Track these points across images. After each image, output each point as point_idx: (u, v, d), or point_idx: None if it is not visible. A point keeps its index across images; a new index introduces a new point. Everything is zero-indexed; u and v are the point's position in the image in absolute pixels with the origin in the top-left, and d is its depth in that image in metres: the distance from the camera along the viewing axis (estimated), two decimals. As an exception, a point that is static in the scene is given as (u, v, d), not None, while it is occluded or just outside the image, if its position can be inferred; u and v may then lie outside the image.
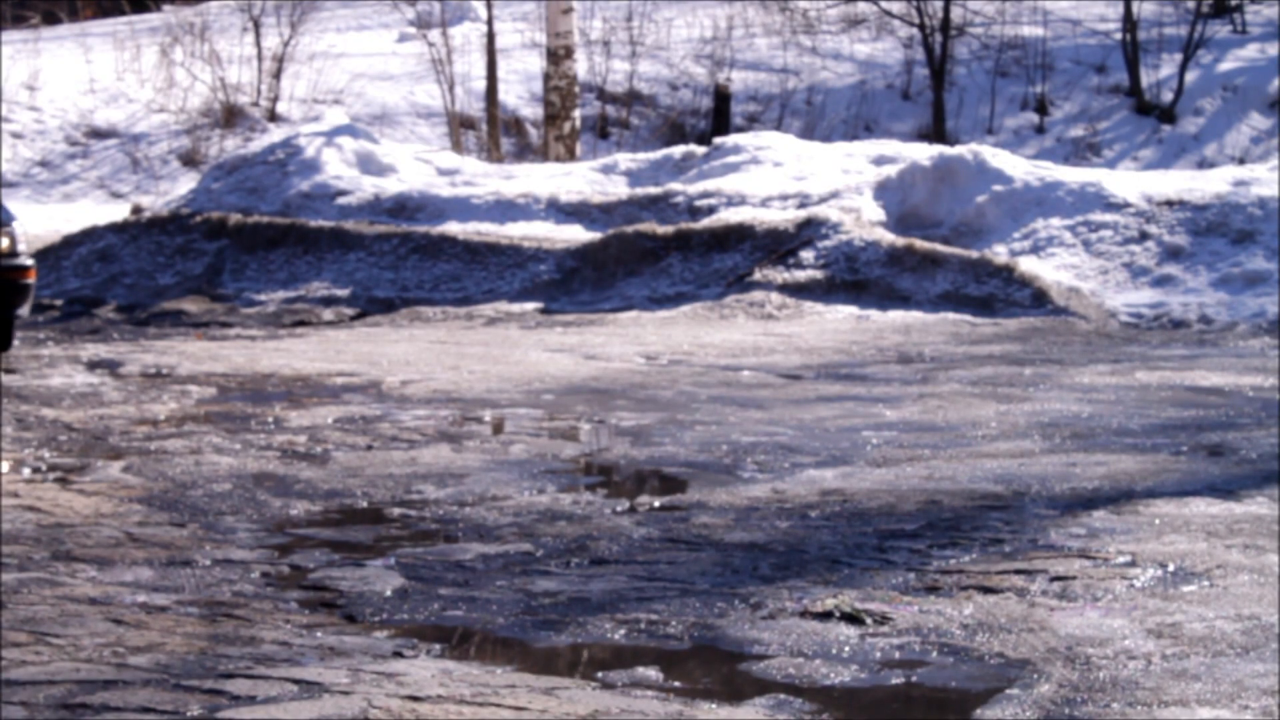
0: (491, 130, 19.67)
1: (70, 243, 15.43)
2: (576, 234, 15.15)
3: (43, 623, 4.63)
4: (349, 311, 14.00)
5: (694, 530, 5.94)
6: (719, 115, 20.58)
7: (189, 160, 19.95)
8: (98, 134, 20.00)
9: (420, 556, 5.56)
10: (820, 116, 21.76)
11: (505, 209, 15.67)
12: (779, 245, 14.23)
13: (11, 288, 10.61)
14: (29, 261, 10.72)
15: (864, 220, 14.45)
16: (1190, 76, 22.00)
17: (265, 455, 7.32)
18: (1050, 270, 13.57)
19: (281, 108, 20.74)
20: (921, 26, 22.02)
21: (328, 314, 13.90)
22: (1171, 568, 5.38)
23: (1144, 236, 13.81)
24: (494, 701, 4.01)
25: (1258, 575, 5.29)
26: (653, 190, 15.75)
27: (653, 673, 4.33)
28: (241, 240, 15.28)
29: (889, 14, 23.25)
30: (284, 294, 14.55)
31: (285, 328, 13.12)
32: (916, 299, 13.46)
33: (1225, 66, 22.86)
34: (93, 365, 10.41)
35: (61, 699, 3.96)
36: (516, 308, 13.92)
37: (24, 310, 10.73)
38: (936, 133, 20.98)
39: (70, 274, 14.99)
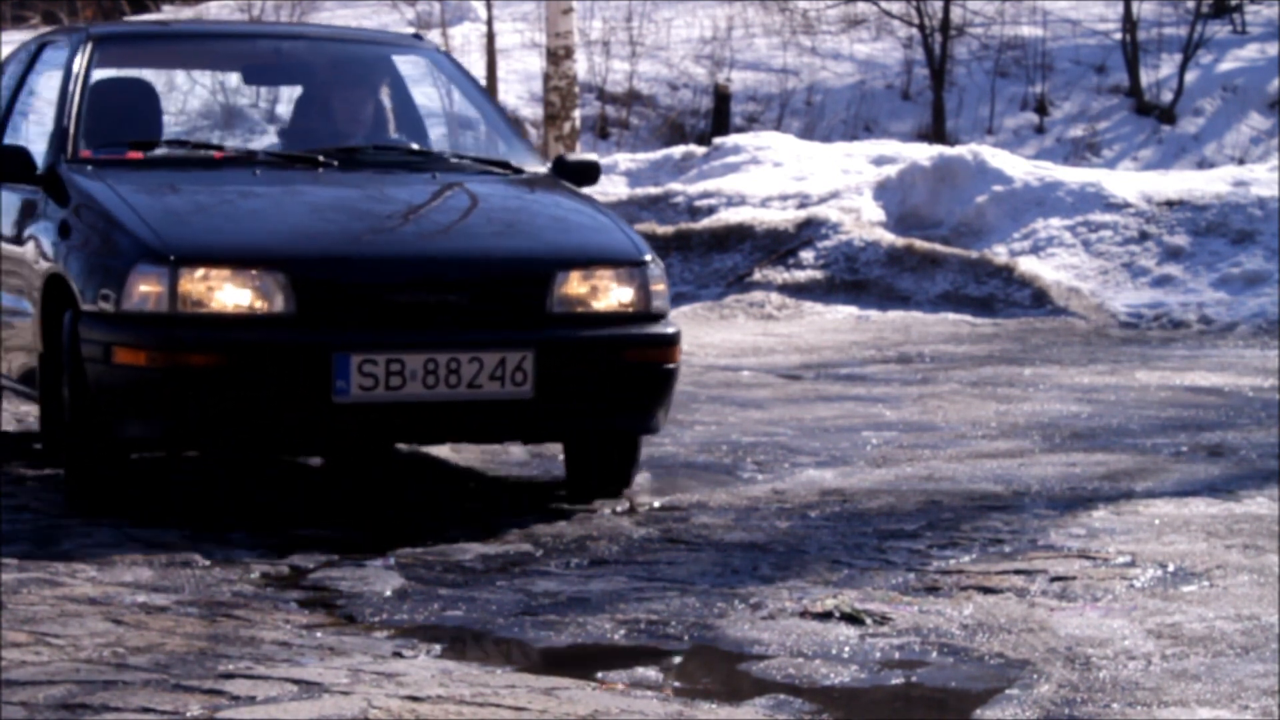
0: (491, 130, 19.66)
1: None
2: (576, 234, 15.14)
3: (43, 623, 4.63)
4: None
5: (694, 530, 5.94)
6: (719, 115, 20.57)
7: (189, 160, 19.96)
8: (98, 134, 20.00)
9: (420, 556, 5.56)
10: (820, 116, 21.75)
11: (505, 209, 15.66)
12: (779, 245, 14.23)
13: (647, 378, 6.19)
14: (673, 329, 6.29)
15: (864, 220, 14.45)
16: (1190, 76, 21.99)
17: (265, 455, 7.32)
18: (1050, 270, 13.57)
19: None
20: (921, 27, 22.01)
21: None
22: (1171, 568, 5.38)
23: (1144, 237, 13.81)
24: (494, 701, 4.01)
25: (1258, 575, 5.29)
26: (653, 190, 15.74)
27: (653, 673, 4.33)
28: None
29: (889, 14, 23.24)
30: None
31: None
32: (916, 299, 13.46)
33: (1225, 66, 22.85)
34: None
35: (62, 699, 3.95)
36: (516, 308, 13.92)
37: (661, 417, 6.30)
38: (936, 133, 20.97)
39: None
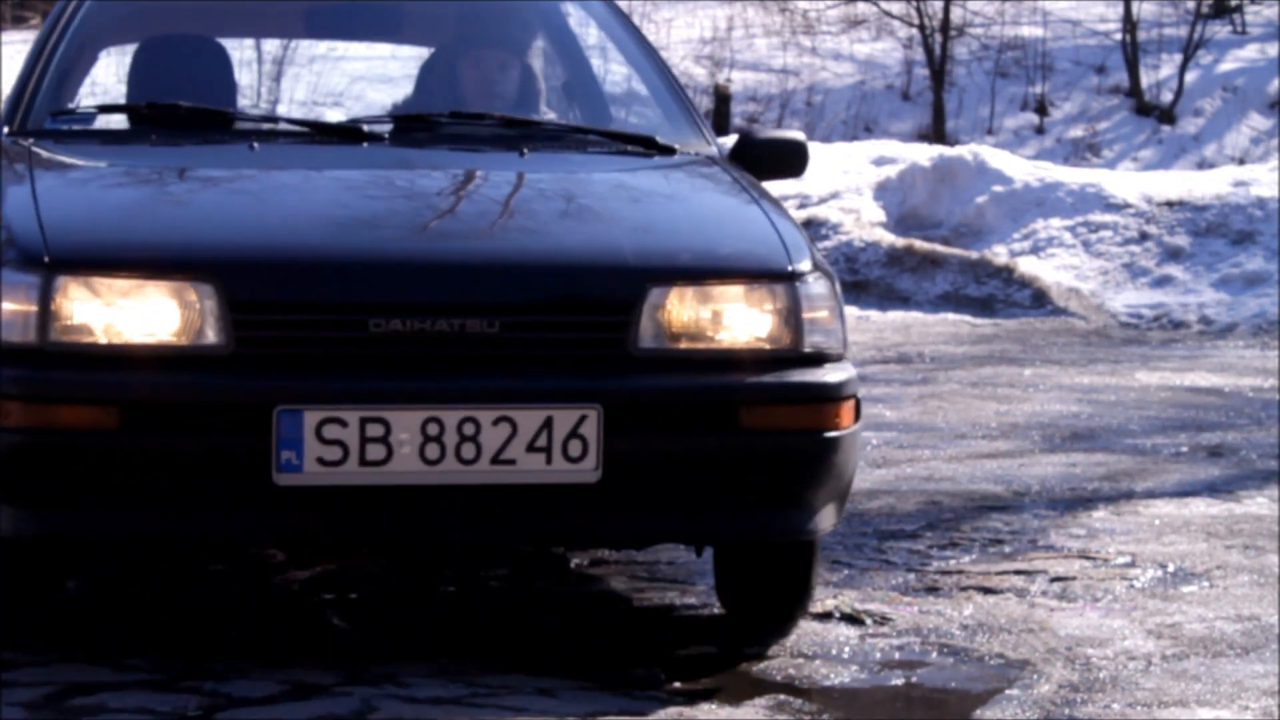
0: (491, 131, 19.64)
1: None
2: (576, 234, 15.13)
3: (43, 623, 4.63)
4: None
5: (694, 530, 5.93)
6: (719, 116, 20.58)
7: (189, 161, 19.91)
8: (98, 135, 19.98)
9: (420, 556, 5.55)
10: (820, 116, 21.75)
11: (505, 210, 15.66)
12: (779, 246, 14.24)
13: (791, 453, 4.11)
14: (838, 377, 4.20)
15: (864, 221, 14.45)
16: (1190, 77, 22.00)
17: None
18: (1050, 271, 13.57)
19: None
20: (921, 27, 22.02)
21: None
22: (1171, 568, 5.38)
23: (1144, 237, 13.81)
24: (493, 703, 4.00)
25: (1258, 575, 5.29)
26: (653, 191, 15.74)
27: (653, 673, 4.32)
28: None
29: (889, 14, 23.24)
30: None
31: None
32: (916, 299, 13.46)
33: (1225, 67, 22.86)
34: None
35: (61, 699, 3.95)
36: (516, 308, 13.92)
37: (825, 514, 4.23)
38: (936, 133, 20.98)
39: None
